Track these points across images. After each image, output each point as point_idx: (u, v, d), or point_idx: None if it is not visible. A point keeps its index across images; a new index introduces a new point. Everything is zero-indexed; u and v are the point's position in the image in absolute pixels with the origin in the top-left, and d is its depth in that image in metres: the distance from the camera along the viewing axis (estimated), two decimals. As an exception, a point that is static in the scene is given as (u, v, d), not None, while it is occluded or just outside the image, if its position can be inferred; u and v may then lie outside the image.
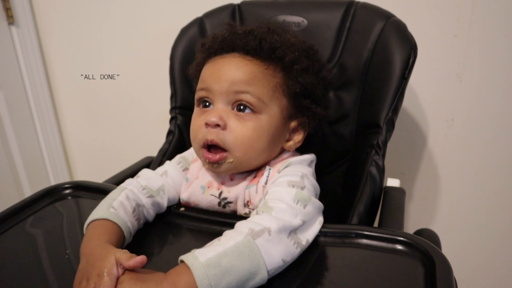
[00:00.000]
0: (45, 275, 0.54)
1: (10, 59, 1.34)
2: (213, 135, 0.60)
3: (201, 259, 0.45)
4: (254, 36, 0.63)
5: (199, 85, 0.64)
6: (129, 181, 0.65)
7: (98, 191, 0.71)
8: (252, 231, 0.49)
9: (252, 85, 0.60)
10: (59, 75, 1.43)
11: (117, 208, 0.57)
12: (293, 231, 0.52)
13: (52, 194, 0.72)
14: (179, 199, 0.68)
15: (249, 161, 0.62)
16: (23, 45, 1.34)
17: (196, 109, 0.65)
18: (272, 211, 0.52)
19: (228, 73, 0.61)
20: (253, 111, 0.61)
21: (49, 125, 1.47)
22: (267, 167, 0.64)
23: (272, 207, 0.53)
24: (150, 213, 0.62)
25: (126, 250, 0.48)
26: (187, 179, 0.68)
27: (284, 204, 0.54)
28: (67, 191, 0.73)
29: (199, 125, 0.62)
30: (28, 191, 1.45)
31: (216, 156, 0.60)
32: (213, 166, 0.62)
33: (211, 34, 0.68)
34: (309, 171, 0.64)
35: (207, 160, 0.61)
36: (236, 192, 0.63)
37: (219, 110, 0.61)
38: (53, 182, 1.52)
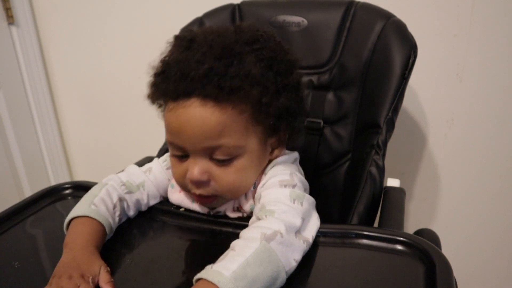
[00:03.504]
0: (45, 275, 0.53)
1: (10, 59, 1.34)
2: (199, 190, 0.59)
3: (226, 273, 0.43)
4: (209, 80, 0.54)
5: (169, 137, 0.59)
6: (110, 176, 0.65)
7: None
8: (265, 235, 0.48)
9: (223, 136, 0.55)
10: (59, 75, 1.43)
11: (98, 204, 0.58)
12: (298, 231, 0.52)
13: (52, 194, 0.72)
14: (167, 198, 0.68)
15: (241, 194, 0.62)
16: (23, 45, 1.34)
17: (173, 158, 0.62)
18: (274, 214, 0.52)
19: (195, 130, 0.55)
20: (232, 158, 0.58)
21: (49, 125, 1.47)
22: None
23: (273, 210, 0.52)
24: (130, 208, 0.63)
25: (109, 269, 0.51)
26: (173, 186, 0.67)
27: (283, 205, 0.53)
28: (67, 191, 0.73)
29: (182, 176, 0.60)
30: (28, 191, 1.45)
31: (208, 199, 0.61)
32: (204, 203, 0.63)
33: (159, 65, 0.62)
34: (295, 168, 0.64)
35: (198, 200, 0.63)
36: (226, 204, 0.64)
37: (199, 163, 0.57)
38: (53, 182, 1.52)
